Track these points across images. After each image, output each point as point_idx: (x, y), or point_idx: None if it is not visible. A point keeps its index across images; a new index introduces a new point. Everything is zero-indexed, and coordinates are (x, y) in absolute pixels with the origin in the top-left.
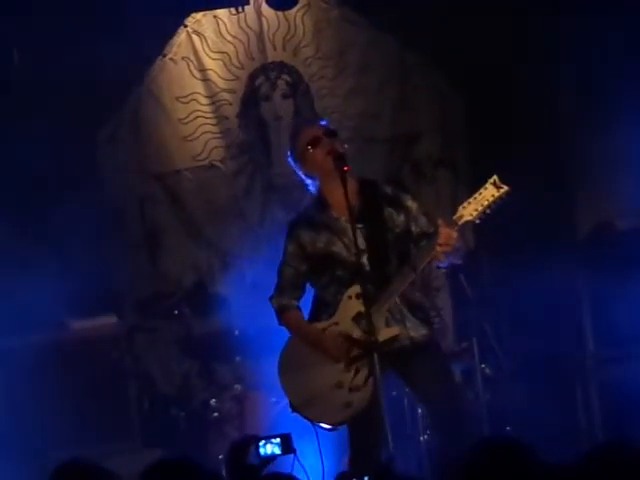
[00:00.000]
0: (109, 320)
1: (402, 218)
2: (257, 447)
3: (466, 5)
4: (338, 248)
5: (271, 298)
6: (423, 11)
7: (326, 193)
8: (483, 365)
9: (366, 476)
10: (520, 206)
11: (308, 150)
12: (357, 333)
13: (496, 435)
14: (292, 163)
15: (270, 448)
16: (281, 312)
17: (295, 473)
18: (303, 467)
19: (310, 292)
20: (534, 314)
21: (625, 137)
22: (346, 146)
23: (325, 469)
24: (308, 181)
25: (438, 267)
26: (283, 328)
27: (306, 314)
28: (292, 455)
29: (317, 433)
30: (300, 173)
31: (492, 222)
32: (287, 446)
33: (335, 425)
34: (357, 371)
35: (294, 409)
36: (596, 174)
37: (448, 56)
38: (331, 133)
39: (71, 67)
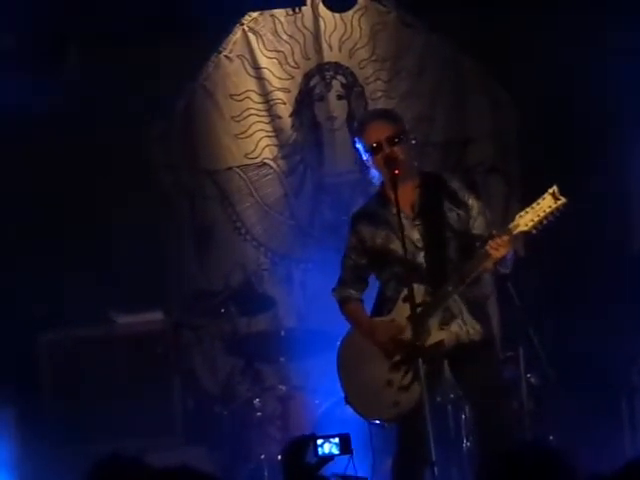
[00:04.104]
0: (155, 316)
1: (463, 215)
2: (315, 446)
3: (528, 15)
4: (395, 245)
5: (333, 290)
6: (483, 18)
7: (388, 189)
8: (529, 374)
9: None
10: (574, 217)
11: (371, 154)
12: (409, 333)
13: (536, 441)
14: (359, 150)
15: (328, 447)
16: (342, 303)
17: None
18: (355, 469)
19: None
20: (582, 325)
21: None
22: (414, 142)
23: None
24: (374, 172)
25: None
26: (329, 330)
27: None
28: (349, 456)
29: (371, 430)
30: (366, 162)
31: (544, 231)
32: (345, 446)
33: (384, 422)
34: (407, 371)
35: (347, 402)
36: None
37: (506, 64)
38: (396, 140)
39: (125, 62)
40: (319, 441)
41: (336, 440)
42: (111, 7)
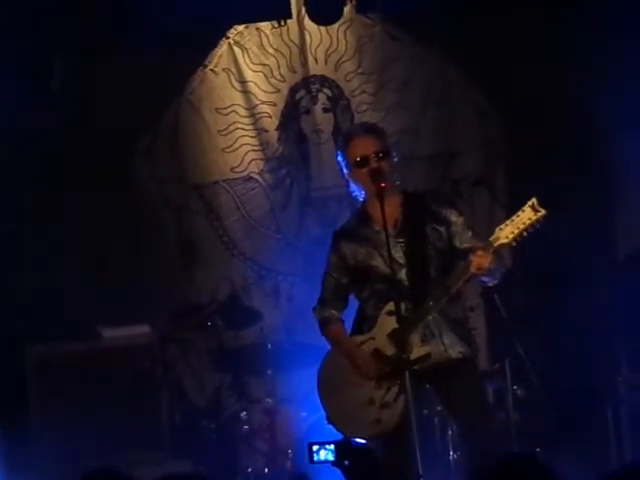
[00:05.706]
0: (142, 329)
1: (445, 234)
2: (311, 452)
3: (515, 26)
4: (377, 262)
5: (314, 309)
6: (470, 30)
7: (369, 206)
8: (515, 386)
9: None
10: (558, 226)
11: (355, 167)
12: (390, 350)
13: (523, 453)
14: (340, 164)
15: (324, 454)
16: (323, 324)
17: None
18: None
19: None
20: (568, 336)
21: None
22: (396, 159)
23: None
24: (354, 187)
25: (481, 282)
26: (316, 343)
27: (349, 325)
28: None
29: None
30: (346, 176)
31: (529, 241)
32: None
33: (366, 440)
34: (389, 388)
35: (329, 422)
36: (637, 195)
37: (490, 75)
38: (381, 155)
39: (111, 76)
40: (314, 447)
41: (331, 447)
42: (95, 22)
